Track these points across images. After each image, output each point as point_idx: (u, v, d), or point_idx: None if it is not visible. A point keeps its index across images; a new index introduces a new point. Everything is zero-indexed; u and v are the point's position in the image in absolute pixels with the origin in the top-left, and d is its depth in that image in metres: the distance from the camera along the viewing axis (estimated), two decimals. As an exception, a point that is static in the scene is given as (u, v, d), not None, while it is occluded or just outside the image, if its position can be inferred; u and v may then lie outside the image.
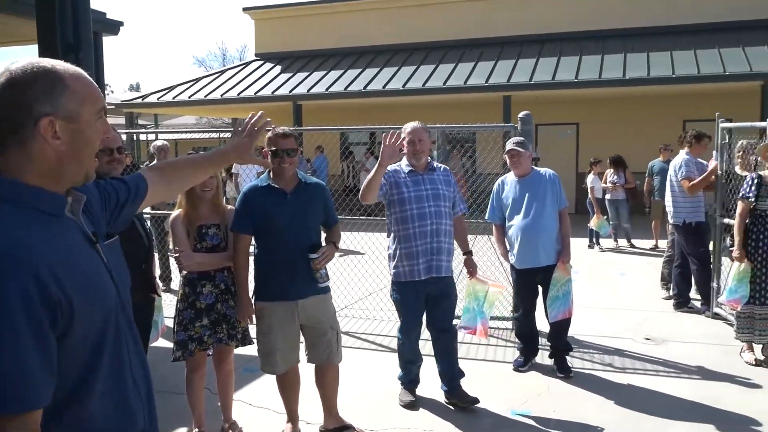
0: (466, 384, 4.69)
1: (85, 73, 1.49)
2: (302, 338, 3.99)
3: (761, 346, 5.38)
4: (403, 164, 4.55)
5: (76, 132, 1.43)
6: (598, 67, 14.49)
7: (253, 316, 3.88)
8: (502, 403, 4.64)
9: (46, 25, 3.85)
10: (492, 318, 6.41)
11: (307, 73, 17.37)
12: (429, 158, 4.61)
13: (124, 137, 21.07)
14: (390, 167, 4.43)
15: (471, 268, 4.77)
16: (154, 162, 8.43)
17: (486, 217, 5.58)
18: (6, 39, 8.25)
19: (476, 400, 4.55)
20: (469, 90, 14.94)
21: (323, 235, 4.04)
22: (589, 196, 11.27)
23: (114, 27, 7.96)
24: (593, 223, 10.84)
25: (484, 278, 4.93)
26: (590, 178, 11.37)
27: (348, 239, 5.67)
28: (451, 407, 4.59)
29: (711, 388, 4.85)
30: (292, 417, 4.10)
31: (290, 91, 16.44)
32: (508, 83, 14.59)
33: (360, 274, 7.47)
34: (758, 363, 5.26)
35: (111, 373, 1.48)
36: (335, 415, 4.16)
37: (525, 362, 5.31)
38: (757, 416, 4.34)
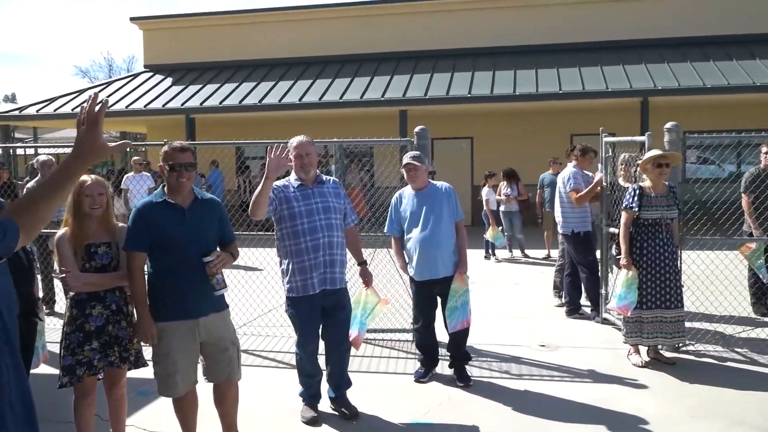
0: (367, 397, 4.69)
1: None
2: (200, 357, 3.85)
3: (647, 348, 5.67)
4: (292, 179, 4.52)
5: None
6: (490, 82, 14.99)
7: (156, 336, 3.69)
8: (404, 414, 4.64)
9: None
10: (393, 330, 6.47)
11: (200, 86, 16.94)
12: (318, 171, 4.59)
13: (-1, 152, 19.67)
14: (278, 182, 4.42)
15: (366, 277, 4.82)
16: (34, 180, 7.90)
17: (385, 231, 5.61)
18: None
19: (356, 413, 4.58)
20: (366, 104, 15.08)
21: None
22: (485, 208, 11.60)
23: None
24: (489, 235, 11.16)
25: (376, 291, 4.97)
26: (485, 191, 11.70)
27: (246, 255, 5.53)
28: (336, 412, 4.62)
29: (602, 390, 5.05)
30: None
31: (182, 104, 15.97)
32: (403, 98, 14.83)
33: (258, 290, 7.31)
34: (645, 365, 5.53)
35: None
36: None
37: (426, 373, 5.35)
38: (644, 415, 4.55)
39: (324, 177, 4.63)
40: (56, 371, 3.73)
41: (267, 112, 15.86)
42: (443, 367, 5.48)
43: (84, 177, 3.64)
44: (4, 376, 1.45)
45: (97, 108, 1.90)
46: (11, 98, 45.65)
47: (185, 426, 3.93)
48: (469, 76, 15.46)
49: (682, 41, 15.72)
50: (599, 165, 7.07)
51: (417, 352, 5.57)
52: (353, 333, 4.77)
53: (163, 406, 4.84)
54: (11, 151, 16.55)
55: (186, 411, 3.89)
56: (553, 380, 5.33)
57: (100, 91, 17.74)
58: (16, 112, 17.71)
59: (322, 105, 15.24)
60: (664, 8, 15.94)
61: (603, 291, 6.90)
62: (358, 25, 17.41)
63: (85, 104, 1.92)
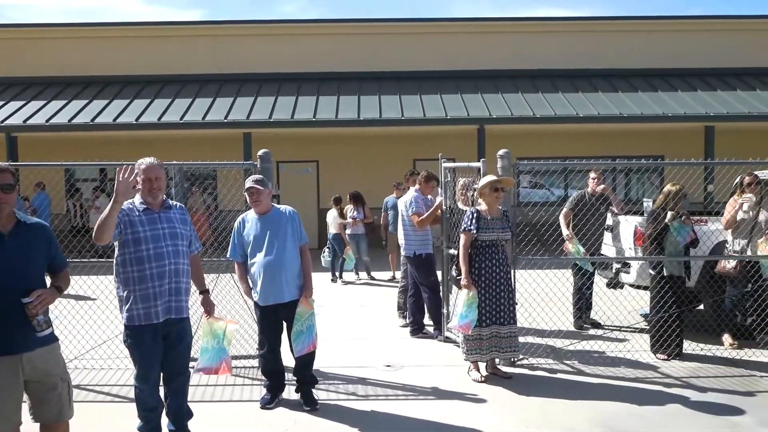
0: (210, 427, 4.56)
1: None
2: (25, 396, 3.52)
3: (485, 363, 5.95)
4: (137, 201, 4.29)
5: None
6: (334, 106, 15.20)
7: None
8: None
9: None
10: (236, 357, 6.29)
11: (23, 102, 15.69)
12: (164, 196, 4.40)
13: None
14: (123, 205, 4.15)
15: (208, 307, 4.66)
16: None
17: (228, 255, 5.46)
18: None
19: None
20: (208, 126, 14.74)
21: (49, 281, 3.61)
22: (334, 231, 11.60)
23: None
24: (347, 254, 11.15)
25: (219, 316, 4.83)
26: (332, 215, 11.72)
27: (78, 284, 5.14)
28: None
29: (445, 406, 5.22)
30: None
31: (2, 121, 14.68)
32: (247, 120, 14.65)
33: (92, 321, 6.84)
34: (484, 380, 5.80)
35: None
36: None
37: (272, 399, 5.26)
38: (484, 428, 4.77)
39: (170, 202, 4.45)
40: None
41: (100, 132, 14.99)
42: (290, 392, 5.41)
43: None
44: None
45: None
46: None
47: None
48: (313, 100, 15.60)
49: (514, 73, 16.92)
50: (439, 189, 7.36)
51: (263, 378, 5.46)
52: (219, 364, 4.60)
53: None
54: None
55: None
56: (399, 399, 5.43)
57: None
58: None
59: (161, 126, 14.68)
60: (496, 43, 17.12)
61: (444, 310, 7.16)
62: (200, 44, 17.02)
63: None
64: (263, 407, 5.19)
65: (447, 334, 7.16)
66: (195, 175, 15.55)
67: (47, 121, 14.71)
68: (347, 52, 17.03)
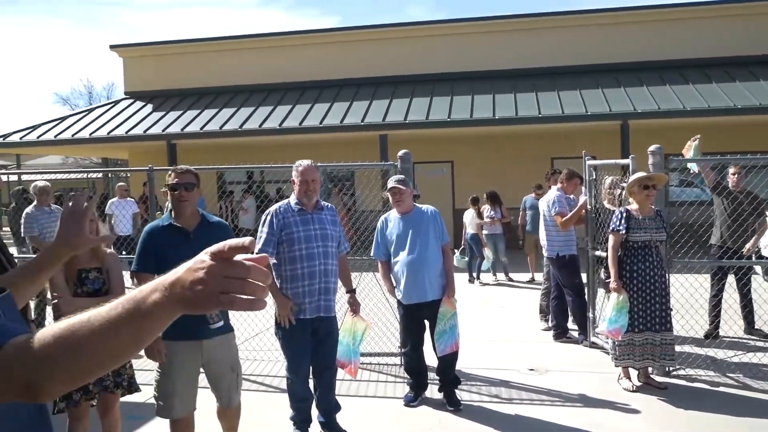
0: (357, 421, 4.67)
1: None
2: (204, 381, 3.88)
3: (638, 372, 5.65)
4: (292, 202, 4.48)
5: None
6: (469, 106, 15.09)
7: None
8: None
9: None
10: (381, 354, 6.40)
11: (180, 112, 16.88)
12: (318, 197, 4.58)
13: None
14: (279, 205, 4.45)
15: (354, 306, 4.84)
16: (32, 206, 7.74)
17: (371, 254, 5.56)
18: None
19: None
20: (346, 129, 15.09)
21: None
22: (471, 231, 11.50)
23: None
24: (487, 253, 11.03)
25: (362, 317, 4.97)
26: (469, 215, 11.64)
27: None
28: None
29: (594, 415, 5.02)
30: None
31: (163, 130, 15.88)
32: (383, 122, 14.85)
33: (245, 314, 7.21)
34: (636, 389, 5.50)
35: None
36: None
37: (415, 397, 5.30)
38: (637, 438, 4.52)
39: (322, 203, 4.60)
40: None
41: (247, 138, 15.82)
42: (432, 391, 5.42)
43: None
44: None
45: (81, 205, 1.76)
46: (-10, 126, 45.20)
47: None
48: (448, 100, 15.56)
49: (660, 65, 15.96)
50: (583, 188, 7.09)
51: (406, 375, 5.51)
52: (348, 362, 4.76)
53: (154, 430, 4.75)
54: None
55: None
56: (544, 404, 5.28)
57: (81, 118, 17.62)
58: (0, 140, 17.52)
59: (302, 130, 15.24)
60: (642, 33, 16.24)
61: (590, 314, 6.88)
62: (337, 51, 17.51)
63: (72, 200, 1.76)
64: (407, 405, 5.25)
65: (593, 339, 6.88)
66: (335, 176, 16.02)
67: (201, 128, 15.73)
68: (479, 50, 16.82)
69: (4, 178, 19.60)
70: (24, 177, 19.34)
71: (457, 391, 5.33)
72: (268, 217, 4.44)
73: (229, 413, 4.01)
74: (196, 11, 77.75)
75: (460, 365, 5.59)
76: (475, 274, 11.65)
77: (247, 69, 17.71)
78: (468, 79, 16.57)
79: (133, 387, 3.88)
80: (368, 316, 5.24)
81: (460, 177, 17.01)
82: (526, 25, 16.89)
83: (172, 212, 3.86)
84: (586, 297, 7.03)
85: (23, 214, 7.71)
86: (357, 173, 16.84)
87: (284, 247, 4.37)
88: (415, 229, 5.17)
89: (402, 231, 5.21)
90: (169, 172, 3.90)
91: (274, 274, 4.43)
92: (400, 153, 6.34)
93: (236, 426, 4.08)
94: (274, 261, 4.41)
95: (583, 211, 6.96)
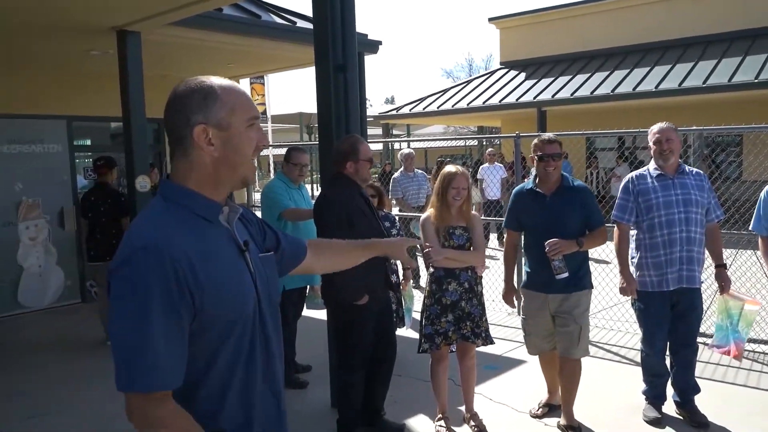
0: (718, 407, 4.36)
1: (237, 86, 1.58)
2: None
3: None
4: (651, 167, 4.30)
5: (227, 139, 1.52)
6: None
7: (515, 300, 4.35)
8: (763, 432, 4.15)
9: (320, 51, 4.43)
10: (757, 341, 5.77)
11: (551, 79, 17.07)
12: (680, 161, 4.31)
13: (380, 146, 22.87)
14: (636, 172, 4.35)
15: (724, 282, 4.36)
16: (399, 171, 8.83)
17: (750, 228, 5.00)
18: (282, 64, 9.36)
19: (705, 423, 4.24)
20: (734, 88, 13.50)
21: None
22: None
23: (374, 46, 8.68)
24: None
25: (738, 294, 4.46)
26: None
27: (599, 248, 5.35)
28: (681, 417, 4.40)
29: None
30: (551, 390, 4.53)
31: (534, 98, 16.28)
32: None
33: (603, 283, 7.14)
34: None
35: (233, 373, 1.53)
36: (568, 413, 4.23)
37: (795, 393, 4.68)
38: None
39: (686, 167, 4.33)
40: (416, 336, 4.27)
41: (619, 102, 15.28)
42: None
43: (451, 169, 4.09)
44: (257, 362, 1.58)
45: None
46: (390, 100, 51.47)
47: (547, 376, 4.52)
48: None
49: None
50: None
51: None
52: (728, 345, 4.42)
53: (508, 380, 5.18)
54: (389, 145, 18.76)
55: (544, 366, 4.50)
56: None
57: (460, 89, 19.09)
58: (394, 112, 20.15)
59: (681, 92, 14.11)
60: None
61: None
62: (730, 1, 15.63)
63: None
64: (782, 398, 4.67)
65: None
66: (716, 142, 14.57)
67: (572, 94, 15.71)
68: None
69: (397, 145, 22.42)
70: (412, 144, 21.71)
71: None
72: (623, 183, 4.36)
73: (565, 366, 4.15)
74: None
75: None
76: None
77: (618, 29, 17.00)
78: None
79: (488, 340, 4.17)
80: (745, 297, 4.73)
81: None
82: None
83: (536, 178, 4.12)
84: None
85: (391, 179, 8.73)
86: (745, 137, 15.05)
87: (642, 215, 4.23)
88: (809, 201, 4.50)
89: (792, 203, 4.57)
90: (536, 141, 4.12)
91: (633, 244, 4.34)
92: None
93: (570, 388, 4.20)
94: (633, 231, 4.32)
95: None
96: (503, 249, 4.73)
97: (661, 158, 4.22)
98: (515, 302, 4.46)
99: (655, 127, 4.29)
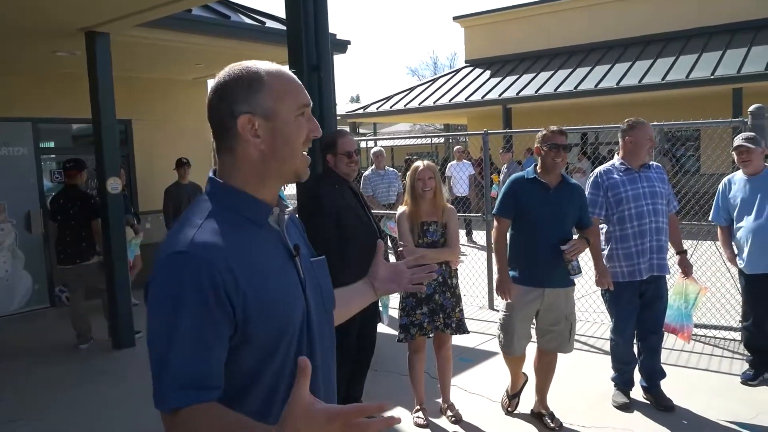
0: (682, 391, 4.55)
1: (286, 71, 1.43)
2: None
3: None
4: (617, 162, 4.47)
5: (275, 130, 1.38)
6: None
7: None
8: (726, 414, 4.35)
9: (294, 51, 4.48)
10: (716, 327, 6.02)
11: (516, 76, 17.31)
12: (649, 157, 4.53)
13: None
14: (602, 168, 4.50)
15: (686, 267, 4.67)
16: (369, 169, 8.93)
17: (710, 218, 5.24)
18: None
19: (671, 406, 4.45)
20: (692, 84, 13.88)
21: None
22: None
23: (343, 46, 8.76)
24: None
25: (695, 279, 4.75)
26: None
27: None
28: (648, 401, 4.58)
29: None
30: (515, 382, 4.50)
31: (500, 95, 16.50)
32: (738, 74, 13.31)
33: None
34: None
35: (277, 384, 1.35)
36: (542, 400, 4.37)
37: (755, 376, 4.89)
38: None
39: (649, 162, 4.52)
40: (393, 332, 4.41)
41: (582, 99, 15.58)
42: (777, 372, 4.95)
43: (417, 163, 4.19)
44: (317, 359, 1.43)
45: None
46: (356, 99, 51.43)
47: (512, 369, 4.44)
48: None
49: None
50: None
51: (744, 352, 5.13)
52: (679, 326, 4.65)
53: (481, 371, 5.30)
54: (357, 144, 18.83)
55: (511, 361, 4.39)
56: None
57: (426, 88, 19.22)
58: (361, 111, 20.23)
59: (642, 88, 14.43)
60: None
61: None
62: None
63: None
64: (744, 382, 4.87)
65: None
66: (676, 136, 14.95)
67: (536, 91, 15.96)
68: None
69: (363, 144, 22.49)
70: (380, 143, 21.81)
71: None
72: (592, 179, 4.50)
73: (546, 357, 4.27)
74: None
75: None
76: None
77: (581, 27, 17.31)
78: None
79: (461, 329, 4.29)
80: (705, 285, 4.96)
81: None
82: None
83: (538, 167, 4.14)
84: None
85: (362, 177, 8.83)
86: (702, 132, 15.47)
87: (612, 208, 4.38)
88: (764, 193, 4.74)
89: (748, 194, 4.82)
90: (545, 132, 4.13)
91: (603, 237, 4.49)
92: (751, 108, 5.77)
93: (546, 382, 4.33)
94: (603, 225, 4.47)
95: None
96: (475, 244, 4.72)
97: (648, 155, 4.44)
98: (510, 293, 4.12)
99: (624, 125, 4.47)
